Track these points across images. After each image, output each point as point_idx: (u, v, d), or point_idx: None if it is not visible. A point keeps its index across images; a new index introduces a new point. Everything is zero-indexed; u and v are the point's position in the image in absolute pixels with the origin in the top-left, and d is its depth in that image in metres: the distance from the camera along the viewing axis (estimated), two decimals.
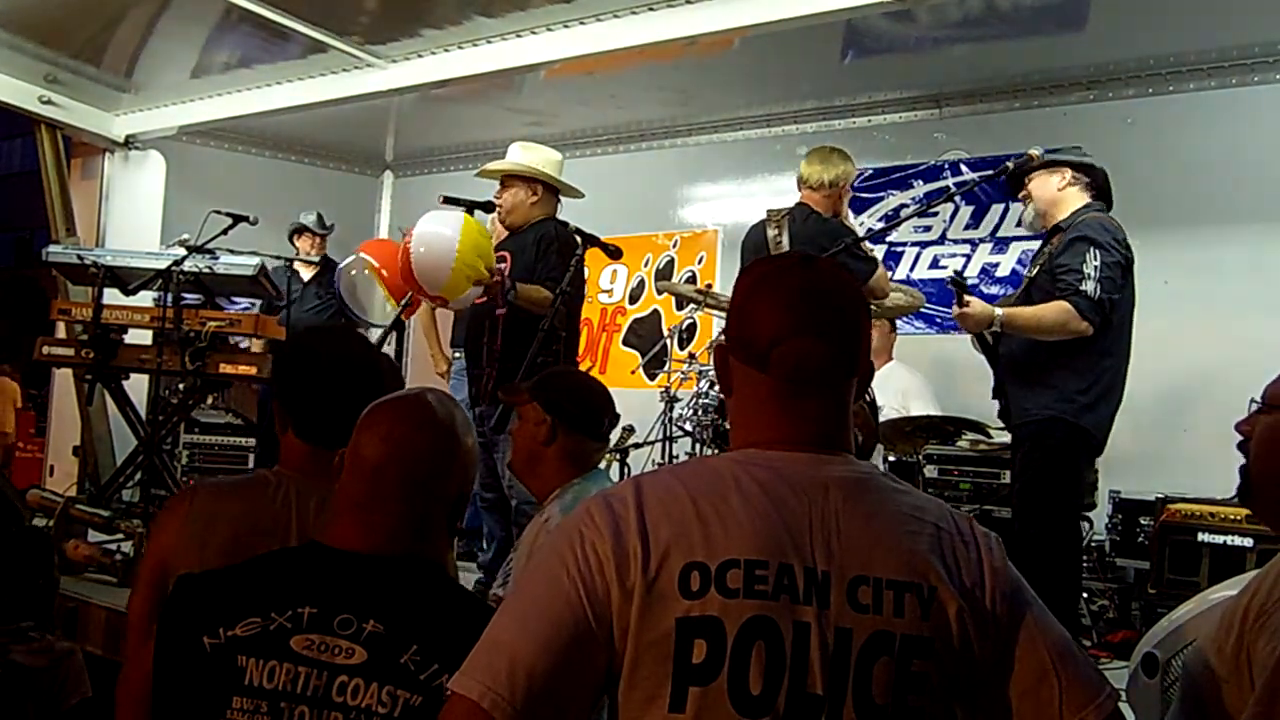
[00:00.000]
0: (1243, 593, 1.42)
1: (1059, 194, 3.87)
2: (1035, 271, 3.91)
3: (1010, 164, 3.92)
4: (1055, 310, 3.66)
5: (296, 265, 6.41)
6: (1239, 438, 1.58)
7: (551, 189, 4.57)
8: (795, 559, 1.24)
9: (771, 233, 4.27)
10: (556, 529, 1.31)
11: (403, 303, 4.48)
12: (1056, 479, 3.76)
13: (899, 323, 5.66)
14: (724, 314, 1.37)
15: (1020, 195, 4.00)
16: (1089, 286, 3.60)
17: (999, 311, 3.73)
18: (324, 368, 1.95)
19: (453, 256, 4.03)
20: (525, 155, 4.59)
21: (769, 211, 4.40)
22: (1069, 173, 3.87)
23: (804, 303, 1.34)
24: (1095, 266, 3.61)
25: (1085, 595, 4.17)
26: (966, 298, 3.76)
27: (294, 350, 2.08)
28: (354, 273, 4.56)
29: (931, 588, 1.26)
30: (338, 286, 4.71)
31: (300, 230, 6.52)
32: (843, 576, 1.24)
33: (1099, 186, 3.90)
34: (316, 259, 6.49)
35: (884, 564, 1.26)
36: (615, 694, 1.24)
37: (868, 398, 3.85)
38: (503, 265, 4.44)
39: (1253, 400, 1.54)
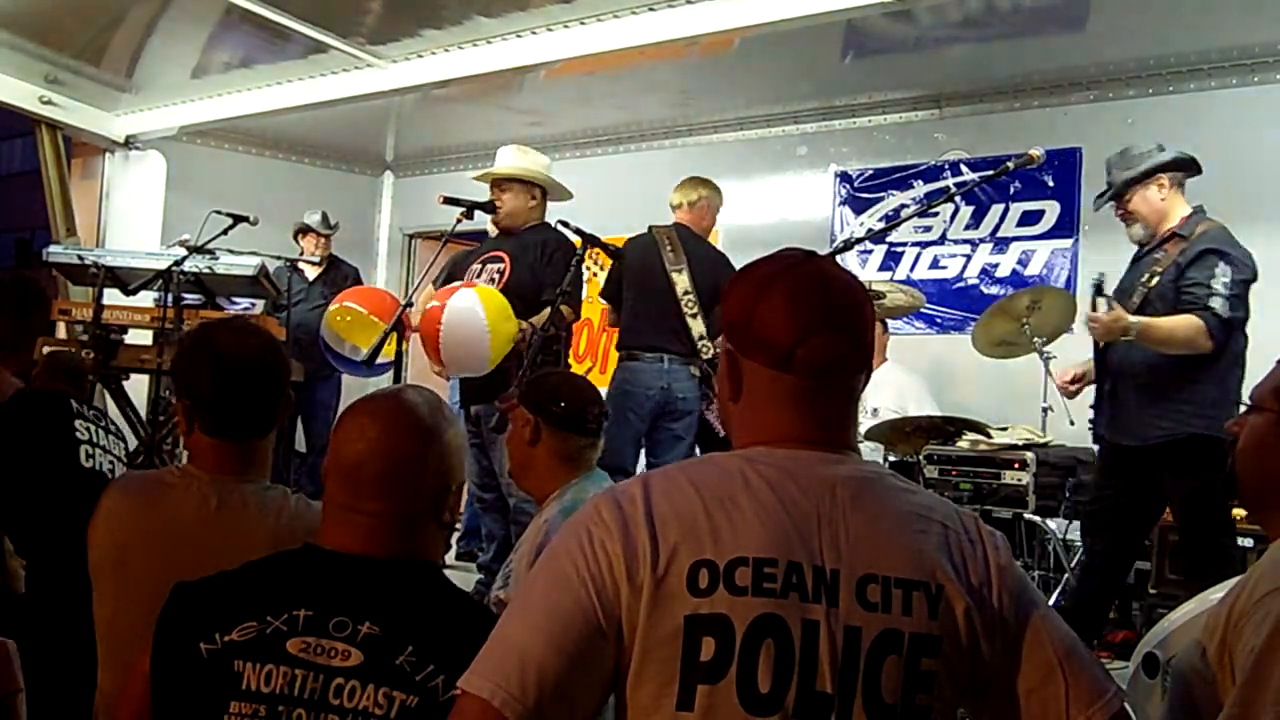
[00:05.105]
0: (1226, 596, 1.43)
1: (1163, 205, 3.78)
2: (1155, 281, 3.75)
3: (1010, 164, 3.82)
4: (1187, 325, 3.57)
5: (301, 265, 6.41)
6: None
7: (545, 192, 4.61)
8: (804, 557, 1.24)
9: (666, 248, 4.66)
10: (565, 526, 1.31)
11: (389, 327, 4.19)
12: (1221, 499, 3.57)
13: (900, 323, 5.65)
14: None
15: (1119, 214, 3.87)
16: (1218, 304, 3.53)
17: (1134, 320, 3.60)
18: (223, 361, 1.96)
19: (487, 338, 4.00)
20: (522, 159, 4.63)
21: (651, 227, 4.77)
22: (1165, 178, 3.77)
23: (821, 299, 1.34)
24: (1225, 283, 3.54)
25: None
26: (1100, 300, 3.64)
27: (193, 346, 2.05)
28: (330, 329, 4.42)
29: (939, 586, 1.26)
30: (328, 354, 4.56)
31: (305, 230, 6.48)
32: (851, 575, 1.24)
33: (1188, 174, 3.81)
34: (320, 259, 6.49)
35: (892, 563, 1.26)
36: (623, 691, 1.24)
37: None
38: (501, 266, 4.45)
39: (1239, 402, 1.55)
